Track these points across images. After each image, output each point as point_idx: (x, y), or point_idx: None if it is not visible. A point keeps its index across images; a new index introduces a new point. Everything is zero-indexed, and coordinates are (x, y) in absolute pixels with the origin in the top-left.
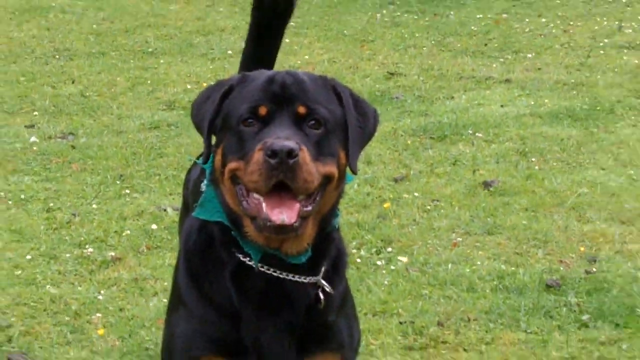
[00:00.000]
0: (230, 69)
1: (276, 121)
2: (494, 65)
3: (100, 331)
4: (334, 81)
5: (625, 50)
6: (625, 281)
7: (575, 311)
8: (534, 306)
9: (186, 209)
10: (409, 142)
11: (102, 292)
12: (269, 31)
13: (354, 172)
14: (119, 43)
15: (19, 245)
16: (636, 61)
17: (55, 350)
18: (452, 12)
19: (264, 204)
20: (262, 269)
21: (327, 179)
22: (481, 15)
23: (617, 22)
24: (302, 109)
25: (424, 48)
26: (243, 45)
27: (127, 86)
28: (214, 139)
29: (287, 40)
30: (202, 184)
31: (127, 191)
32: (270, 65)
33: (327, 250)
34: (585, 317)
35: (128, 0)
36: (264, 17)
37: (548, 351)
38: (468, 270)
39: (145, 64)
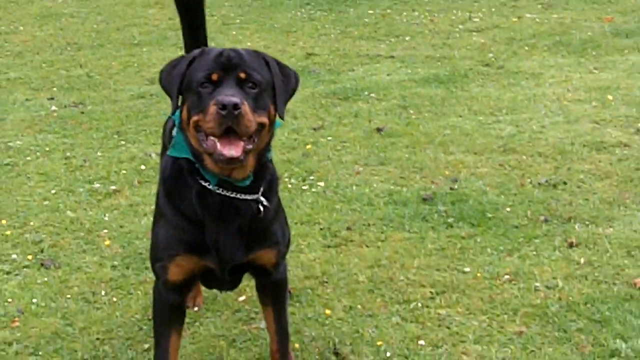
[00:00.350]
0: None
1: (224, 84)
2: (382, 46)
3: (107, 242)
4: (263, 54)
5: (474, 33)
6: (477, 194)
7: (443, 216)
8: (414, 214)
9: (164, 150)
10: (322, 102)
11: (107, 214)
12: (192, 22)
13: (282, 118)
14: (113, 37)
15: (46, 184)
16: (482, 40)
17: (75, 257)
18: (351, 9)
19: (217, 144)
20: (218, 191)
21: (261, 125)
22: (372, 11)
23: (468, 13)
24: (242, 75)
25: (332, 35)
26: None
27: (120, 68)
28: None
29: (234, 32)
30: (173, 131)
31: (123, 142)
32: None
33: (264, 175)
34: (450, 220)
35: (119, 7)
36: (183, 12)
37: (425, 244)
38: (367, 190)
39: (133, 52)
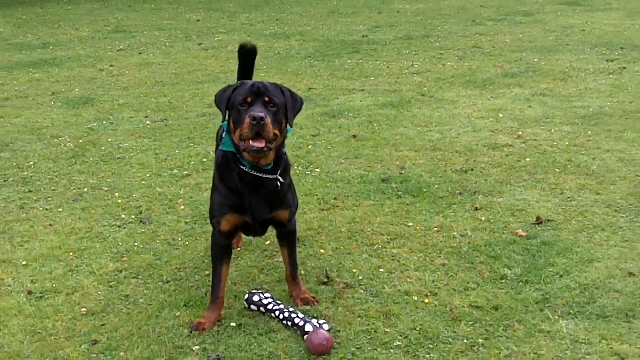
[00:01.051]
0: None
1: (255, 104)
2: (356, 83)
3: (182, 207)
4: (281, 85)
5: (415, 75)
6: (417, 177)
7: (395, 191)
8: (377, 189)
9: (217, 147)
10: (318, 119)
11: (182, 190)
12: (247, 64)
13: (291, 127)
14: (185, 78)
15: (143, 171)
16: (420, 79)
17: (161, 217)
18: (337, 60)
19: (251, 142)
20: (252, 172)
21: (277, 133)
22: (350, 61)
23: (411, 62)
24: (267, 99)
25: (325, 77)
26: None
27: (190, 98)
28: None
29: (262, 75)
30: (223, 134)
31: (192, 145)
32: (250, 79)
33: (280, 163)
34: (400, 193)
35: (189, 59)
36: (243, 57)
37: (384, 209)
38: (347, 174)
39: (198, 87)
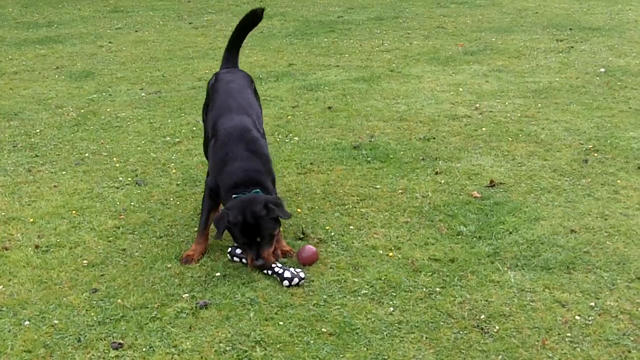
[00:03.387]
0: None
1: (252, 249)
2: (332, 60)
3: (174, 171)
4: (268, 205)
5: (385, 52)
6: (385, 144)
7: (365, 156)
8: (349, 155)
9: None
10: (297, 91)
11: (174, 155)
12: (246, 30)
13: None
14: (177, 54)
15: (138, 138)
16: (389, 57)
17: (155, 179)
18: (314, 38)
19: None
20: None
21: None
22: (326, 40)
23: (381, 41)
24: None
25: (303, 53)
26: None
27: (181, 72)
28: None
29: (247, 52)
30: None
31: (183, 115)
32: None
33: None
34: (369, 159)
35: (180, 36)
36: (250, 20)
37: (354, 173)
38: (322, 142)
39: (188, 62)
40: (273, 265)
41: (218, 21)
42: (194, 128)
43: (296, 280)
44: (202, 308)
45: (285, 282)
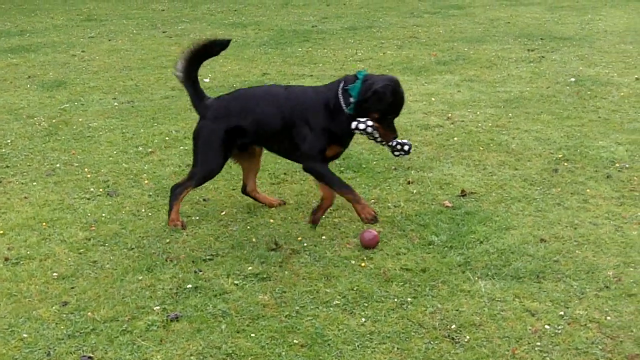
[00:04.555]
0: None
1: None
2: (306, 69)
3: (146, 182)
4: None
5: (358, 62)
6: (358, 154)
7: (338, 166)
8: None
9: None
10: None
11: (146, 165)
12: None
13: None
14: (150, 63)
15: (110, 148)
16: (362, 66)
17: (127, 190)
18: (289, 48)
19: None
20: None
21: None
22: (300, 49)
23: (355, 51)
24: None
25: (277, 63)
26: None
27: (154, 81)
28: None
29: (221, 60)
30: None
31: (155, 124)
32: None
33: None
34: (342, 168)
35: (154, 45)
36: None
37: None
38: None
39: (162, 71)
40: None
41: (192, 30)
42: (167, 138)
43: (407, 147)
44: (173, 321)
45: (406, 147)
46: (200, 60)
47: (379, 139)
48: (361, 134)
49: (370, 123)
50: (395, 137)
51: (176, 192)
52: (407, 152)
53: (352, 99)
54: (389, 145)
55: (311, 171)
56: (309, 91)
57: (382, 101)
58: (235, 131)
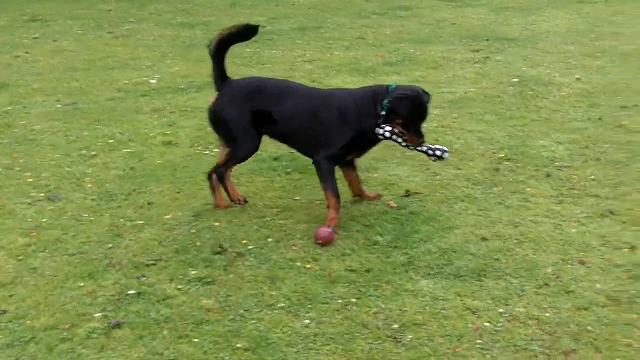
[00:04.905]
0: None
1: (421, 134)
2: (254, 70)
3: (90, 186)
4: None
5: (307, 63)
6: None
7: (285, 167)
8: (269, 167)
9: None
10: None
11: (89, 169)
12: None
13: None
14: (96, 64)
15: (53, 151)
16: (311, 67)
17: (70, 194)
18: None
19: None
20: None
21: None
22: (249, 49)
23: (304, 52)
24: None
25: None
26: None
27: (100, 83)
28: None
29: (167, 62)
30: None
31: (100, 127)
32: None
33: None
34: (289, 170)
35: (100, 46)
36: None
37: (274, 184)
38: None
39: (108, 73)
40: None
41: (139, 31)
42: (112, 141)
43: (439, 152)
44: (115, 328)
45: (446, 155)
46: (232, 43)
47: (404, 144)
48: (384, 139)
49: (388, 129)
50: (423, 142)
51: (221, 173)
52: (441, 158)
53: (384, 107)
54: (421, 152)
55: (320, 164)
56: (345, 94)
57: (405, 107)
58: (261, 116)
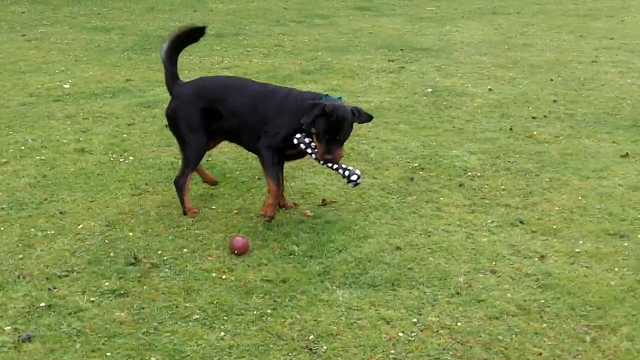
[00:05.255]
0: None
1: (332, 145)
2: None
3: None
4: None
5: (225, 69)
6: (222, 163)
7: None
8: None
9: None
10: (134, 108)
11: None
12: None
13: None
14: (8, 68)
15: None
16: (229, 74)
17: None
18: (154, 53)
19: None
20: None
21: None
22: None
23: (221, 58)
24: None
25: (142, 69)
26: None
27: (11, 87)
28: None
29: (82, 66)
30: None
31: (11, 133)
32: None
33: None
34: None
35: (12, 49)
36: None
37: (190, 193)
38: (159, 161)
39: (20, 77)
40: (339, 165)
41: (53, 33)
42: (23, 147)
43: (355, 177)
44: (25, 341)
45: (354, 177)
46: (182, 45)
47: (313, 156)
48: (296, 145)
49: (298, 135)
50: (328, 159)
51: (179, 184)
52: (352, 181)
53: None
54: (330, 168)
55: (262, 152)
56: (293, 94)
57: (309, 115)
58: (210, 113)
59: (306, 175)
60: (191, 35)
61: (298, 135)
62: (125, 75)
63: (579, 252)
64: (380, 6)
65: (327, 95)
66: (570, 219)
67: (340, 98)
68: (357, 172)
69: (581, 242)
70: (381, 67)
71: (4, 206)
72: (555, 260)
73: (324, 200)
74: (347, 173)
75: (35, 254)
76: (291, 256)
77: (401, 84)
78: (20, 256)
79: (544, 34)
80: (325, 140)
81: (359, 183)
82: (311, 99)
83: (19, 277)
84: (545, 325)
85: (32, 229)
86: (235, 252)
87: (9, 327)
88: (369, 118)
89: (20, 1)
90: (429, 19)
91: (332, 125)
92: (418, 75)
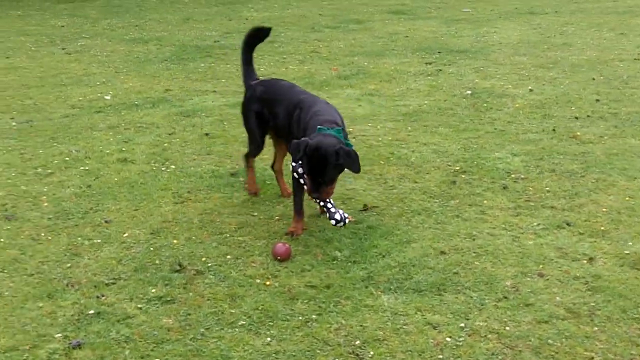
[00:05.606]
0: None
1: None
2: (209, 85)
3: (46, 204)
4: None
5: (262, 77)
6: (261, 170)
7: (243, 183)
8: (226, 183)
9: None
10: (174, 118)
11: (45, 187)
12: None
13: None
14: (50, 81)
15: (9, 169)
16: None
17: (26, 213)
18: (191, 64)
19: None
20: None
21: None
22: (203, 65)
23: (257, 66)
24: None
25: (180, 79)
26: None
27: (54, 99)
28: None
29: (122, 77)
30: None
31: (55, 144)
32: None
33: None
34: (247, 186)
35: (53, 63)
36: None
37: (232, 200)
38: (200, 169)
39: (62, 89)
40: (327, 201)
41: (92, 46)
42: (67, 158)
43: (341, 224)
44: (76, 348)
45: (332, 222)
46: (253, 45)
47: (305, 187)
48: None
49: (294, 164)
50: (315, 196)
51: (247, 160)
52: (333, 222)
53: None
54: (319, 205)
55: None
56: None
57: (294, 152)
58: (262, 115)
59: (346, 180)
60: (257, 36)
61: (294, 164)
62: (164, 86)
63: (628, 253)
64: (415, 9)
65: (322, 128)
66: (619, 220)
67: (339, 131)
68: (339, 216)
69: (630, 243)
70: (418, 70)
71: (50, 216)
72: (605, 263)
73: (365, 205)
74: (330, 213)
75: (83, 263)
76: (334, 262)
77: (439, 86)
78: (68, 265)
79: (584, 32)
80: (310, 179)
81: (340, 227)
82: (325, 121)
83: (67, 285)
84: (596, 328)
85: (79, 238)
86: (278, 258)
87: (59, 335)
88: (356, 166)
89: (60, 15)
90: (465, 20)
91: (312, 167)
92: (456, 78)
